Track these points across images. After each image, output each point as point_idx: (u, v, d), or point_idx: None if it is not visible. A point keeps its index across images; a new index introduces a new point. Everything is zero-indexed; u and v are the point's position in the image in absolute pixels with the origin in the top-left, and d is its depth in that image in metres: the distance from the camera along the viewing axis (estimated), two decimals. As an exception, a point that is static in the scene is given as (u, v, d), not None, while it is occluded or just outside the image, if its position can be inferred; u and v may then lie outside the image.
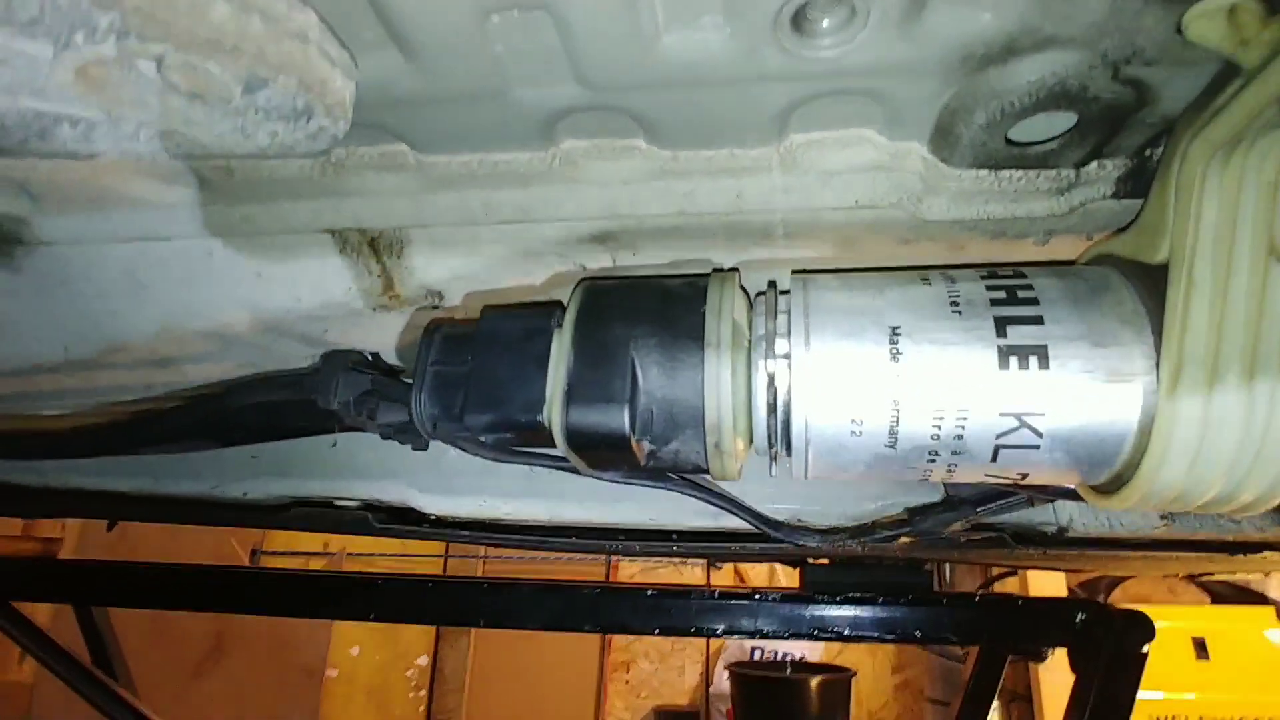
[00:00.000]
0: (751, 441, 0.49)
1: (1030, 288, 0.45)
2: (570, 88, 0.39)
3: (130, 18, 0.27)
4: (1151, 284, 0.43)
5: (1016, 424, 0.43)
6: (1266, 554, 0.74)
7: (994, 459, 0.44)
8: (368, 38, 0.36)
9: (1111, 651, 1.23)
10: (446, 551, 3.69)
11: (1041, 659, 1.47)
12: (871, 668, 3.74)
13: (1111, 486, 0.46)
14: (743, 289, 0.52)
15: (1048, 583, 2.75)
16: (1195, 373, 0.40)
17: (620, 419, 0.45)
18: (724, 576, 3.52)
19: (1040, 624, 1.30)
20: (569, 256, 0.55)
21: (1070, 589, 2.89)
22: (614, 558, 3.47)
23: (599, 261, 0.56)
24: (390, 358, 0.67)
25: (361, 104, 0.40)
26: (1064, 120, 0.40)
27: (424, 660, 3.56)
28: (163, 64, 0.32)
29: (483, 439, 0.51)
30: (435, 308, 0.59)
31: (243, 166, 0.48)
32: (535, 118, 0.42)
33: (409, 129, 0.45)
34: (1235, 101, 0.35)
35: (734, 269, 0.53)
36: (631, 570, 3.57)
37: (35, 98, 0.35)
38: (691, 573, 3.57)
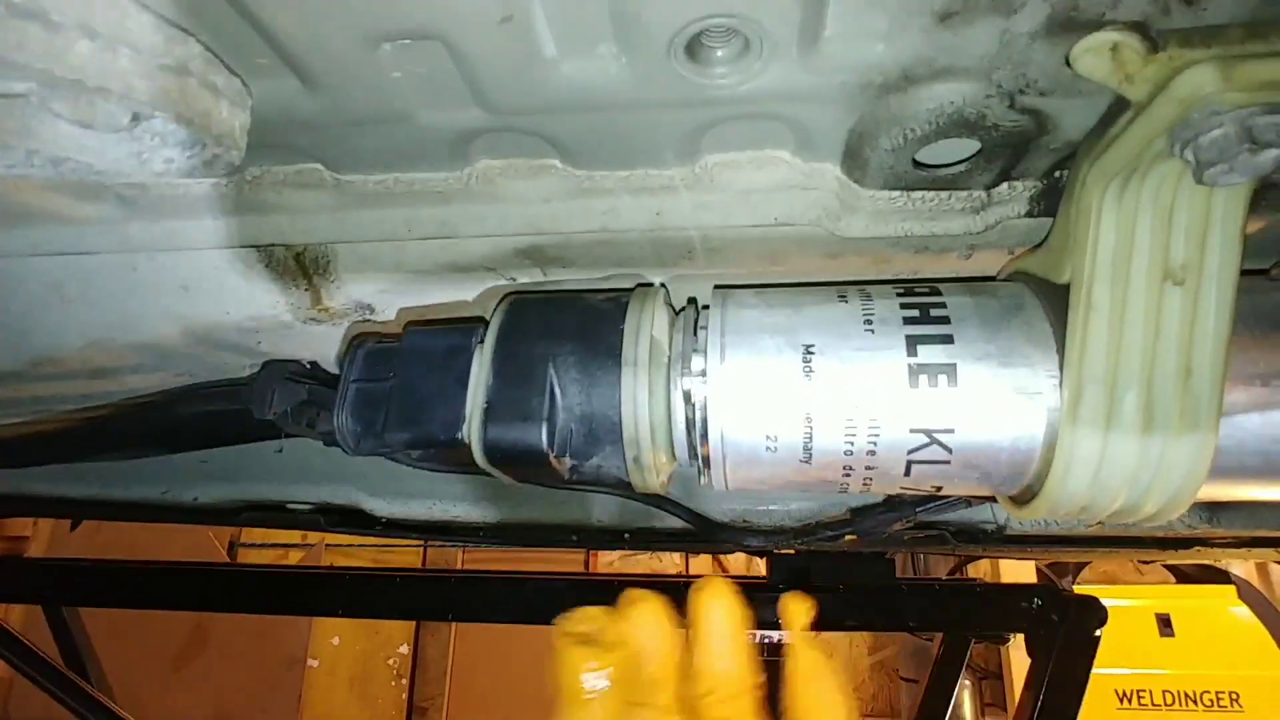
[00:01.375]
0: (674, 456, 0.50)
1: (944, 306, 0.45)
2: (474, 111, 0.39)
3: (-18, 62, 0.26)
4: (1059, 303, 0.43)
5: (927, 440, 0.44)
6: (1198, 549, 0.76)
7: (907, 473, 0.45)
8: (261, 64, 0.36)
9: (1066, 635, 1.27)
10: (426, 541, 3.70)
11: (1004, 642, 1.51)
12: (848, 648, 3.80)
13: (1024, 498, 0.47)
14: (669, 305, 0.52)
15: (1018, 566, 2.80)
16: (1095, 391, 0.41)
17: (538, 436, 0.45)
18: (703, 564, 3.55)
19: (998, 610, 1.33)
20: (499, 271, 0.55)
21: (1039, 570, 2.95)
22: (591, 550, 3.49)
23: (530, 275, 0.56)
24: (331, 365, 0.67)
25: (265, 126, 0.40)
26: (968, 145, 0.40)
27: (405, 649, 3.58)
28: (43, 96, 0.32)
29: (408, 455, 0.51)
30: (366, 320, 0.59)
31: (158, 184, 0.48)
32: (445, 139, 0.42)
33: (320, 149, 0.44)
34: (1126, 133, 0.35)
35: (659, 284, 0.53)
36: (610, 558, 3.59)
37: (-85, 127, 0.34)
38: (671, 559, 3.60)
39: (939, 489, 0.47)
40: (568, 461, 0.48)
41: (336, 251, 0.53)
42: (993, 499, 0.63)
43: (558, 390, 0.47)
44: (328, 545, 3.47)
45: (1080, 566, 3.07)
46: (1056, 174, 0.43)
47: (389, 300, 0.57)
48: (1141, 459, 0.41)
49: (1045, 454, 0.43)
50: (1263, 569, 3.09)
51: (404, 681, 3.53)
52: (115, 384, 0.69)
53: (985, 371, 0.43)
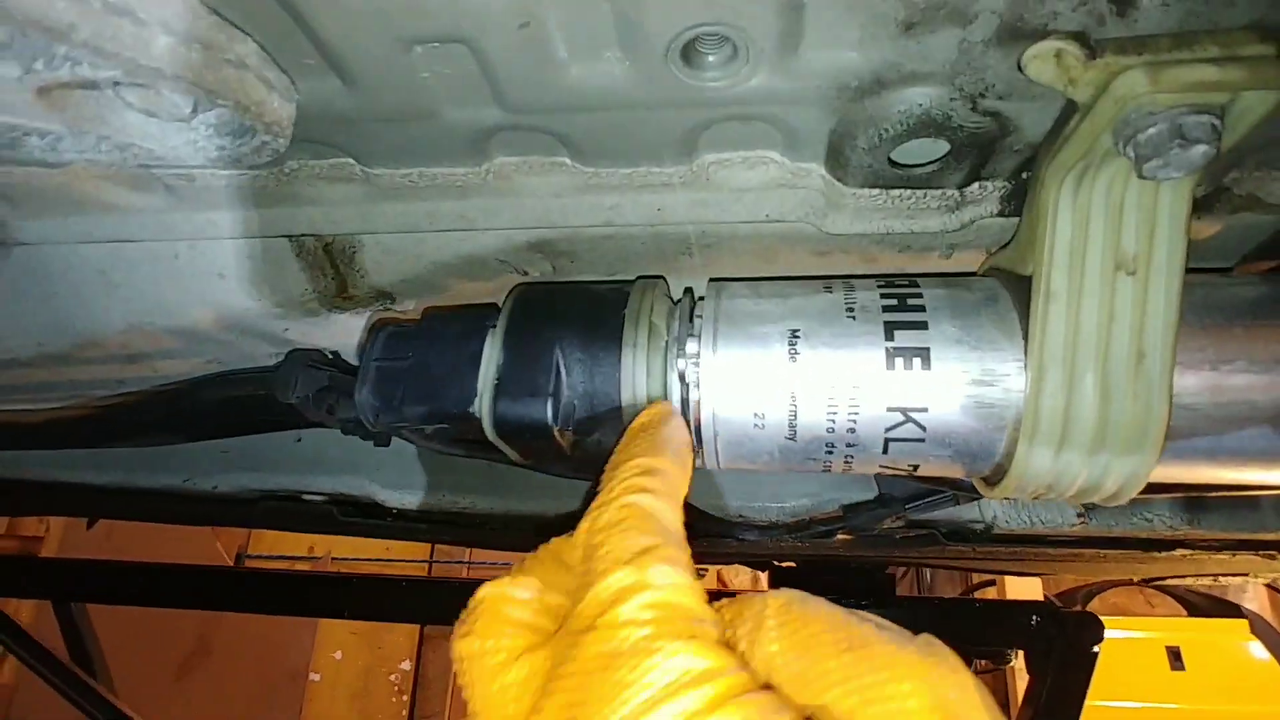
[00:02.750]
0: (670, 435, 0.53)
1: (920, 296, 0.49)
2: (493, 110, 0.44)
3: (79, 50, 0.31)
4: (1026, 295, 0.47)
5: (902, 418, 0.47)
6: (1179, 551, 0.78)
7: (885, 451, 0.49)
8: (308, 64, 0.40)
9: (1063, 651, 1.28)
10: (431, 557, 3.71)
11: (1005, 662, 1.51)
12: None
13: (995, 477, 0.50)
14: (668, 295, 0.56)
15: (1025, 591, 2.79)
16: (1055, 373, 0.44)
17: (543, 411, 0.49)
18: (707, 582, 3.55)
19: (997, 626, 1.35)
20: (511, 264, 0.60)
21: (1047, 599, 2.93)
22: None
23: (540, 269, 0.61)
24: (352, 358, 0.71)
25: (307, 121, 0.44)
26: (939, 146, 0.44)
27: (407, 665, 3.58)
28: (115, 87, 0.36)
29: (423, 429, 0.55)
30: (387, 309, 0.63)
31: (204, 175, 0.52)
32: (466, 136, 0.47)
33: (353, 145, 0.49)
34: (1076, 133, 0.39)
35: (660, 276, 0.57)
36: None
37: (5, 112, 0.39)
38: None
39: (915, 467, 0.50)
40: (570, 436, 0.51)
41: (362, 242, 0.58)
42: (974, 493, 0.67)
43: (563, 369, 0.50)
44: (334, 559, 3.49)
45: (1090, 596, 3.05)
46: (1023, 175, 0.47)
47: (409, 290, 0.61)
48: (1099, 436, 0.44)
49: (1012, 432, 0.46)
50: (1276, 602, 3.05)
51: (405, 698, 3.52)
52: (148, 369, 0.73)
53: (956, 355, 0.46)
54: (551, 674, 0.30)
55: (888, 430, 0.48)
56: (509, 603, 0.34)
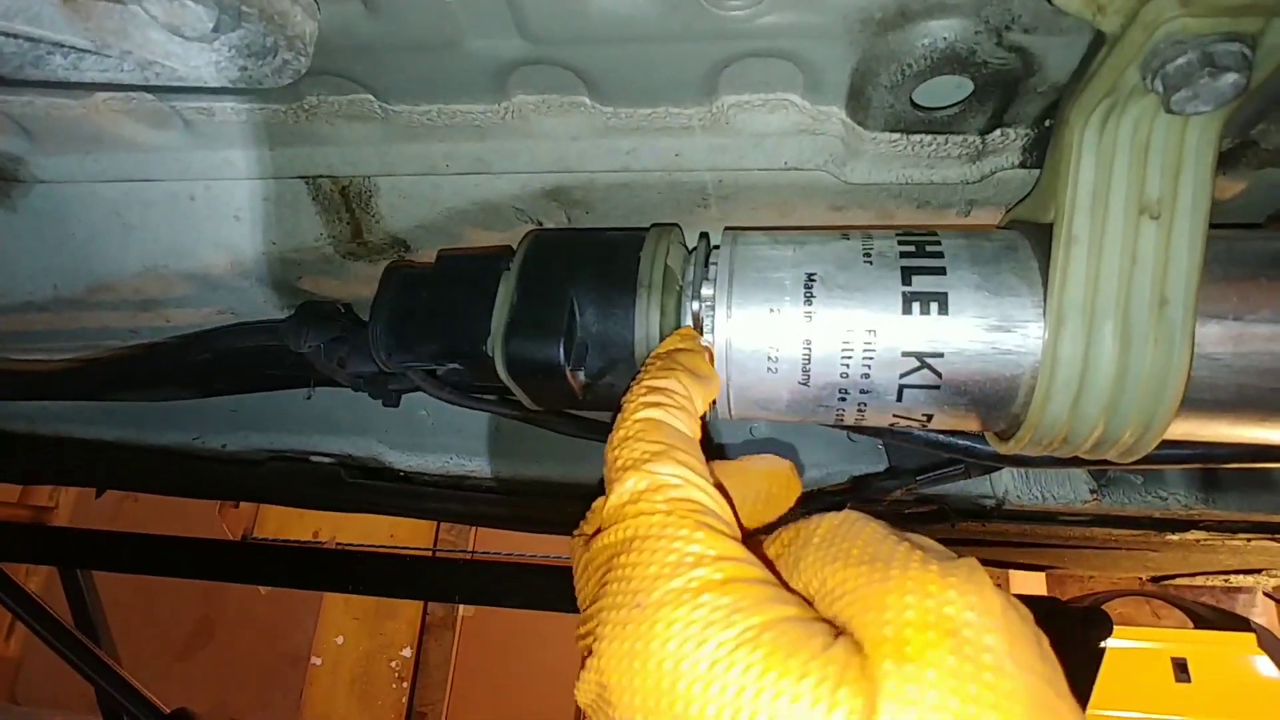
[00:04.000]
0: (682, 382, 0.53)
1: (938, 243, 0.48)
2: (515, 40, 0.44)
3: (107, -60, 0.31)
4: (1047, 243, 0.46)
5: (918, 364, 0.47)
6: (1192, 533, 0.78)
7: (899, 398, 0.48)
8: (331, -17, 0.40)
9: (1071, 646, 1.27)
10: (435, 545, 3.72)
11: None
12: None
13: (1010, 430, 0.50)
14: (683, 244, 0.56)
15: (1027, 580, 2.77)
16: (1075, 318, 0.43)
17: (555, 351, 0.49)
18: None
19: (1002, 620, 1.33)
20: (526, 212, 0.59)
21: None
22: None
23: (555, 219, 0.61)
24: (365, 312, 0.71)
25: (328, 51, 0.45)
26: (962, 86, 0.44)
27: (408, 652, 3.57)
28: (131, 3, 0.37)
29: (435, 372, 0.55)
30: (401, 257, 0.63)
31: (223, 110, 0.53)
32: (487, 70, 0.47)
33: (373, 78, 0.49)
34: (1103, 66, 0.39)
35: (674, 224, 0.57)
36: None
37: (30, 23, 0.39)
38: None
39: (929, 417, 0.50)
40: (582, 377, 0.51)
41: (378, 186, 0.58)
42: (986, 464, 0.66)
43: (577, 310, 0.50)
44: (339, 544, 3.50)
45: (1096, 604, 3.02)
46: (1046, 122, 0.47)
47: (423, 237, 0.61)
48: (1118, 384, 0.44)
49: (1029, 381, 0.46)
50: (1284, 616, 3.02)
51: (405, 685, 3.52)
52: (160, 319, 0.73)
53: (974, 301, 0.46)
54: (579, 573, 0.30)
55: (903, 376, 0.47)
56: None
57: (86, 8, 0.38)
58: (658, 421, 0.35)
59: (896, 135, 0.48)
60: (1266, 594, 3.17)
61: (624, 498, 0.31)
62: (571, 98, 0.49)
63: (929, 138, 0.48)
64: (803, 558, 0.32)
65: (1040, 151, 0.49)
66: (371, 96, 0.51)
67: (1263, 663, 2.72)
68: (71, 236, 0.64)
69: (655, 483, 0.31)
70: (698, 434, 0.37)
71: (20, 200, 0.62)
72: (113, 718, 1.51)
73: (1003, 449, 0.51)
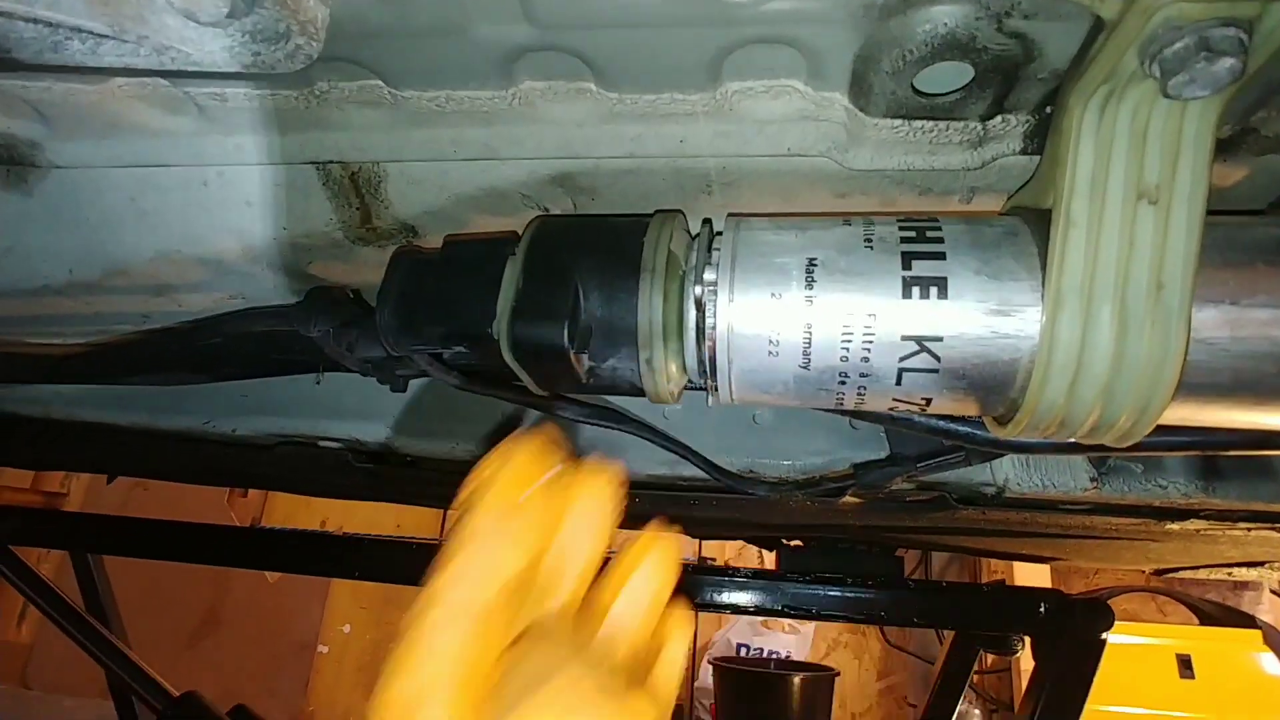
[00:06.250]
0: (685, 368, 0.54)
1: (939, 229, 0.49)
2: (522, 26, 0.44)
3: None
4: (1046, 227, 0.47)
5: (917, 348, 0.47)
6: (1192, 522, 0.78)
7: (898, 382, 0.49)
8: (342, -31, 0.41)
9: (1072, 638, 1.27)
10: (442, 535, 3.75)
11: (1012, 652, 1.51)
12: (857, 672, 3.75)
13: (1008, 415, 0.50)
14: (686, 230, 0.56)
15: (1032, 574, 2.77)
16: (1073, 302, 0.44)
17: (560, 334, 0.50)
18: (715, 551, 3.54)
19: (1004, 611, 1.34)
20: (533, 198, 0.60)
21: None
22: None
23: (561, 205, 0.61)
24: (375, 298, 0.72)
25: (339, 37, 0.45)
26: (963, 72, 0.44)
27: (414, 642, 3.61)
28: (154, -18, 0.38)
29: (440, 354, 0.56)
30: (410, 242, 0.64)
31: (236, 95, 0.53)
32: (494, 55, 0.47)
33: (382, 63, 0.50)
34: (1102, 51, 0.39)
35: (678, 210, 0.57)
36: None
37: (50, 8, 0.40)
38: (688, 547, 3.61)
39: (928, 401, 0.50)
40: (586, 361, 0.52)
41: (387, 172, 0.59)
42: (987, 451, 0.66)
43: (581, 294, 0.51)
44: (346, 533, 3.53)
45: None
46: (1046, 109, 0.47)
47: (432, 223, 0.62)
48: (1115, 368, 0.44)
49: (1027, 365, 0.46)
50: (1289, 613, 3.01)
51: (410, 674, 3.56)
52: (173, 304, 0.75)
53: (974, 285, 0.46)
54: None
55: (902, 360, 0.48)
56: None
57: (104, -8, 0.39)
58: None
59: (898, 121, 0.49)
60: (1273, 590, 3.17)
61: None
62: (577, 84, 0.50)
63: (930, 124, 0.49)
64: None
65: (1041, 138, 0.50)
66: (381, 82, 0.51)
67: (1268, 659, 2.72)
68: (86, 221, 0.65)
69: None
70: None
71: (37, 185, 0.63)
72: (123, 702, 1.53)
73: (1001, 434, 0.52)
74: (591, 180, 0.58)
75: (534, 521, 0.36)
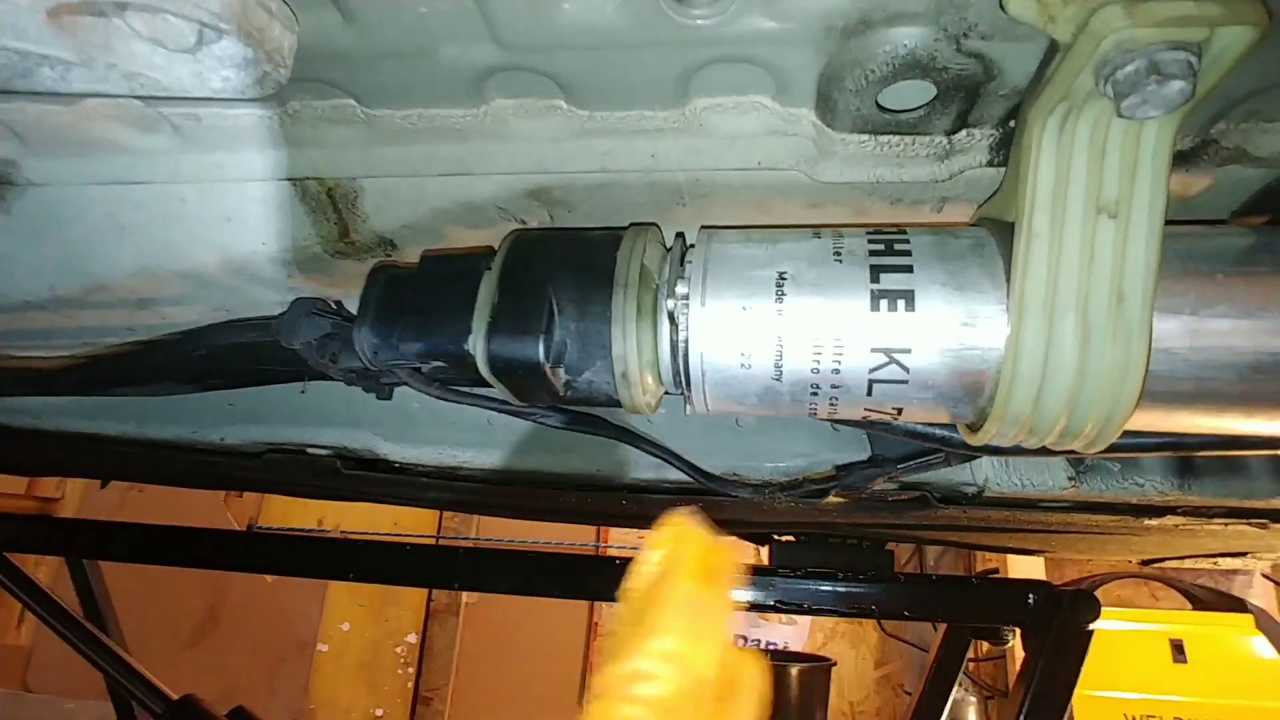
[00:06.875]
0: (660, 379, 0.54)
1: (907, 242, 0.50)
2: (489, 47, 0.45)
3: (87, -35, 0.32)
4: (1011, 238, 0.48)
5: (886, 360, 0.48)
6: (1170, 518, 0.79)
7: (869, 393, 0.50)
8: (308, -4, 0.41)
9: (1060, 628, 1.29)
10: (439, 533, 3.76)
11: (1003, 642, 1.52)
12: (854, 661, 3.78)
13: (978, 422, 0.51)
14: (660, 242, 0.57)
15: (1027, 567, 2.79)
16: (1036, 314, 0.45)
17: (535, 348, 0.50)
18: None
19: (993, 603, 1.36)
20: (509, 211, 0.61)
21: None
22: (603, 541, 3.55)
23: (538, 218, 0.62)
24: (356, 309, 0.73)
25: (308, 58, 0.46)
26: (926, 90, 0.45)
27: (413, 638, 3.62)
28: (122, 13, 0.38)
29: (419, 368, 0.56)
30: (388, 257, 0.65)
31: (210, 114, 0.54)
32: (464, 75, 0.48)
33: (353, 84, 0.50)
34: (1057, 72, 0.40)
35: (653, 223, 0.58)
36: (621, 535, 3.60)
37: (18, 39, 0.40)
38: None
39: (899, 411, 0.51)
40: (563, 375, 0.53)
41: (364, 187, 0.59)
42: (965, 453, 0.67)
43: (556, 309, 0.52)
44: (342, 533, 3.54)
45: (1094, 588, 3.05)
46: (1011, 123, 0.48)
47: (410, 236, 0.63)
48: (1079, 378, 0.45)
49: (994, 375, 0.47)
50: (1282, 598, 3.04)
51: (410, 670, 3.57)
52: (156, 317, 0.75)
53: (941, 298, 0.47)
54: None
55: (871, 371, 0.49)
56: None
57: (72, 23, 0.39)
58: None
59: (865, 136, 0.49)
60: (1265, 575, 3.19)
61: None
62: (548, 101, 0.50)
63: (897, 138, 0.49)
64: None
65: (1007, 151, 0.50)
66: (353, 101, 0.52)
67: (1260, 644, 2.74)
68: (66, 238, 0.66)
69: None
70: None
71: (15, 203, 0.64)
72: (122, 705, 1.54)
73: (972, 440, 0.53)
74: (566, 193, 0.58)
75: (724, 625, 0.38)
